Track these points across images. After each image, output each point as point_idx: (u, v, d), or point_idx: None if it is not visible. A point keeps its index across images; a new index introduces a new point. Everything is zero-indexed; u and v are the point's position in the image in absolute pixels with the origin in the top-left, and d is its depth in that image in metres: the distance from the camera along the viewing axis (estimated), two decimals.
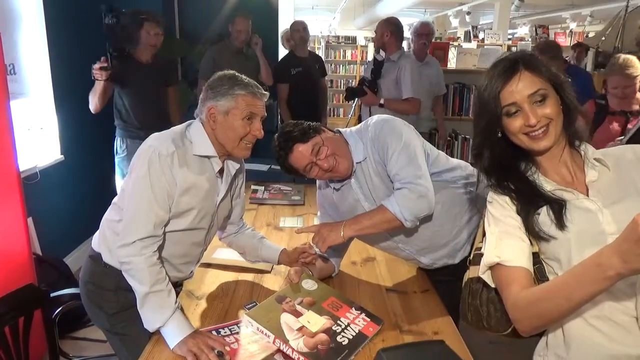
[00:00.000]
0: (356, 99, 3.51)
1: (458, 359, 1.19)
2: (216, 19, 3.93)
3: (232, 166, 1.56)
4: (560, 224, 1.00)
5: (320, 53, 11.05)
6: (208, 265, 1.80)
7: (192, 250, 1.56)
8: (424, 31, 3.74)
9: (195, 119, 1.51)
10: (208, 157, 1.47)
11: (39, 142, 3.04)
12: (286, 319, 1.33)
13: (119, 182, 3.12)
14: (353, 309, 1.45)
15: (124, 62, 2.97)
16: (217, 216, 1.56)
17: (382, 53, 3.08)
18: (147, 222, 1.37)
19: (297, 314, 1.36)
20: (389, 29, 3.26)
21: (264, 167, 2.99)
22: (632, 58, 2.69)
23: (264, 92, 1.50)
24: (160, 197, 1.38)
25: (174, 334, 1.31)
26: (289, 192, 2.66)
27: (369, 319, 1.42)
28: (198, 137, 1.46)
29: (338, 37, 11.26)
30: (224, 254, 1.87)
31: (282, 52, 4.40)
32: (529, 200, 1.05)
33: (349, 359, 1.25)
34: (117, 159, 3.13)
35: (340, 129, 1.67)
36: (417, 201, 1.45)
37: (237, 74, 1.50)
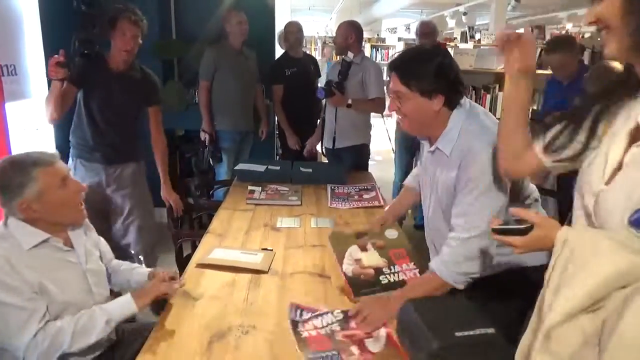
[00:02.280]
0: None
1: (479, 309, 1.12)
2: (213, 19, 3.92)
3: (76, 233, 1.54)
4: None
5: (317, 54, 11.05)
6: (204, 265, 1.79)
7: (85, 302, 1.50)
8: (424, 30, 3.77)
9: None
10: (44, 242, 1.42)
11: (34, 143, 3.02)
12: (352, 250, 1.72)
13: None
14: (412, 263, 1.70)
15: (92, 62, 2.46)
16: (88, 280, 1.53)
17: (351, 55, 3.13)
18: (27, 324, 1.32)
19: (364, 250, 1.72)
20: (354, 31, 3.31)
21: (260, 168, 2.98)
22: None
23: (53, 153, 1.48)
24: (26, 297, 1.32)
25: (124, 307, 1.43)
26: (286, 192, 2.66)
27: (418, 274, 1.64)
28: (21, 231, 1.39)
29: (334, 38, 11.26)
30: (220, 254, 1.86)
31: (279, 52, 4.39)
32: None
33: (378, 293, 1.56)
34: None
35: (472, 104, 1.53)
36: (467, 264, 1.41)
37: (13, 159, 1.41)
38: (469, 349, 0.56)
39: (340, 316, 1.45)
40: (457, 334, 0.57)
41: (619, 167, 0.86)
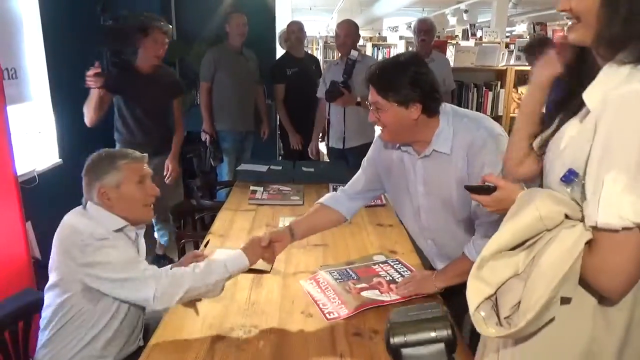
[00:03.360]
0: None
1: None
2: (213, 20, 3.93)
3: (139, 232, 1.61)
4: None
5: (318, 54, 11.05)
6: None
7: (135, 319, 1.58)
8: (422, 27, 3.75)
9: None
10: (121, 229, 1.50)
11: (37, 146, 3.03)
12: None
13: None
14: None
15: (123, 70, 2.80)
16: None
17: (355, 53, 3.13)
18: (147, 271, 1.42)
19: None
20: (357, 30, 3.33)
21: (263, 168, 2.98)
22: None
23: (142, 154, 1.57)
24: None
25: (238, 261, 1.49)
26: (288, 192, 2.66)
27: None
28: (101, 215, 1.48)
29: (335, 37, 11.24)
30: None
31: (280, 52, 4.40)
32: None
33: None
34: None
35: (452, 107, 1.58)
36: None
37: (110, 149, 1.56)
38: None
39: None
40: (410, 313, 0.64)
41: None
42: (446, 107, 1.55)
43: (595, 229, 0.83)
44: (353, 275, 1.74)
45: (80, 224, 1.45)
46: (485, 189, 1.08)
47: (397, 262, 1.83)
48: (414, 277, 1.66)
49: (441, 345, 0.57)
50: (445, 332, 0.58)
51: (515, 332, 0.87)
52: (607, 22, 0.89)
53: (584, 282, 0.88)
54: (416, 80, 1.45)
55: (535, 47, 3.80)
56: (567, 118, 1.00)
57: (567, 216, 0.89)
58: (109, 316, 1.47)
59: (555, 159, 0.98)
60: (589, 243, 0.85)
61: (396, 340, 0.58)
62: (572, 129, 0.96)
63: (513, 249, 0.93)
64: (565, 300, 0.88)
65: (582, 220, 0.87)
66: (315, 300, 1.58)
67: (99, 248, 1.39)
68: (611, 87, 0.86)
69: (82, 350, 1.46)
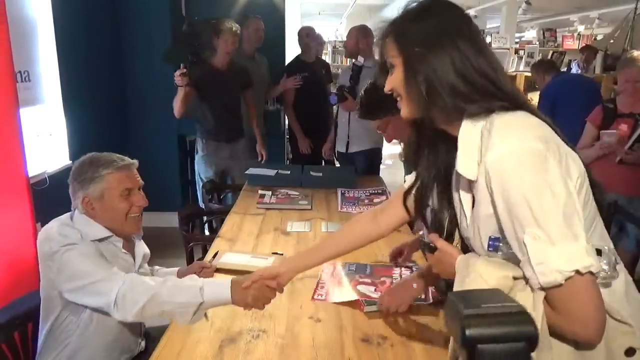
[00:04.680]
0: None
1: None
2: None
3: (137, 240, 1.61)
4: None
5: (327, 58, 11.06)
6: (215, 270, 1.79)
7: (123, 337, 1.52)
8: None
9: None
10: (105, 239, 1.47)
11: (48, 148, 3.06)
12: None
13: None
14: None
15: (202, 69, 3.20)
16: None
17: (361, 59, 3.15)
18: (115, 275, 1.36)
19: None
20: (364, 36, 3.36)
21: (271, 172, 2.99)
22: None
23: (130, 161, 1.51)
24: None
25: (217, 291, 1.31)
26: (297, 197, 2.66)
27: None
28: (85, 224, 1.45)
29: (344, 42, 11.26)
30: (231, 258, 1.87)
31: (289, 57, 4.41)
32: None
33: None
34: (196, 157, 3.47)
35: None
36: None
37: (96, 155, 1.49)
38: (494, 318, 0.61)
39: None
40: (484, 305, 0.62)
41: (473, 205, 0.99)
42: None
43: (542, 289, 0.84)
44: (368, 270, 1.78)
45: (53, 230, 1.42)
46: (431, 248, 1.10)
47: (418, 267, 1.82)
48: (392, 288, 1.56)
49: (522, 344, 0.52)
50: (528, 329, 0.53)
51: None
52: (414, 97, 0.96)
53: (557, 334, 0.87)
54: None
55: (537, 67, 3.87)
56: (447, 193, 1.06)
57: (514, 277, 0.89)
58: (93, 326, 1.43)
59: (469, 235, 1.00)
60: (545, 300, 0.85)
61: (473, 332, 0.52)
62: (466, 203, 1.00)
63: None
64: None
65: (526, 278, 0.87)
66: (318, 281, 1.69)
67: (64, 253, 1.36)
68: (478, 151, 0.90)
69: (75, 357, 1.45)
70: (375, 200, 2.63)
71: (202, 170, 3.43)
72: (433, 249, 1.09)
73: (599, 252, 0.85)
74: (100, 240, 1.46)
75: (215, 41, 3.20)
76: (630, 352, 0.90)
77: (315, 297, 1.61)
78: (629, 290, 0.94)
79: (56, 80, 3.05)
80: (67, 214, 1.51)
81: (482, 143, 0.89)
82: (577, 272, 0.80)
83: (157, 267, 1.82)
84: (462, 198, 1.01)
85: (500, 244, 0.91)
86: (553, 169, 0.82)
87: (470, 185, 0.97)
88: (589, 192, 0.91)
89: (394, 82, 0.99)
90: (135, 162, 1.53)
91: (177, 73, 2.99)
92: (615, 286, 0.92)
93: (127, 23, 3.94)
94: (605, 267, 0.86)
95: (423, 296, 1.53)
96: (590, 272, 0.81)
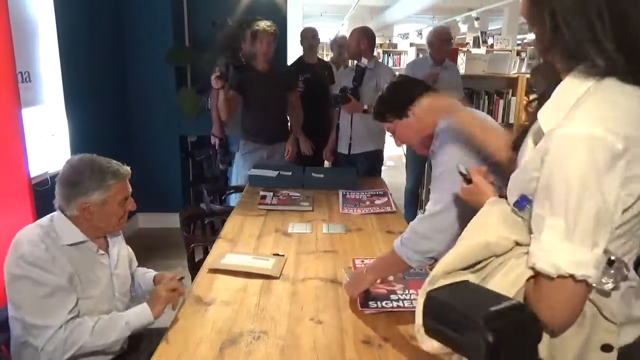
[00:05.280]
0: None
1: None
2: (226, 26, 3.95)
3: (113, 239, 1.67)
4: None
5: (328, 59, 11.05)
6: (216, 271, 1.80)
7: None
8: (443, 37, 3.82)
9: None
10: (80, 243, 1.51)
11: (50, 149, 3.06)
12: None
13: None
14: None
15: (244, 71, 3.20)
16: (113, 283, 1.62)
17: (365, 61, 3.16)
18: (61, 308, 1.41)
19: None
20: (366, 38, 3.35)
21: (272, 173, 2.99)
22: None
23: (128, 169, 1.58)
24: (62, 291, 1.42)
25: (141, 316, 1.50)
26: (298, 198, 2.66)
27: None
28: (64, 227, 1.49)
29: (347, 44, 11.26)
30: (232, 259, 1.87)
31: (290, 59, 4.42)
32: None
33: (386, 305, 1.59)
34: (237, 155, 3.49)
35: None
36: (423, 241, 1.42)
37: (95, 160, 1.52)
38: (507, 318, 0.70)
39: None
40: (492, 308, 0.67)
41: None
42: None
43: (534, 269, 0.85)
44: None
45: (25, 238, 1.44)
46: (466, 177, 1.18)
47: None
48: (351, 278, 1.66)
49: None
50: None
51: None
52: (537, 28, 0.89)
53: None
54: (396, 91, 1.67)
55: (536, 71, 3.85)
56: (531, 125, 1.01)
57: (517, 242, 0.90)
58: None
59: (513, 177, 0.97)
60: (535, 276, 0.86)
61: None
62: (527, 151, 0.97)
63: (465, 269, 0.95)
64: None
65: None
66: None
67: (22, 276, 1.39)
68: (564, 111, 0.83)
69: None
70: (377, 201, 2.63)
71: (238, 169, 3.43)
72: (469, 181, 1.15)
73: (612, 262, 0.83)
74: (74, 244, 1.49)
75: (254, 44, 3.20)
76: (607, 348, 0.90)
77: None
78: (627, 292, 0.94)
79: (58, 80, 3.05)
80: (49, 216, 1.54)
81: (574, 106, 0.83)
82: (573, 276, 0.79)
83: (145, 270, 1.86)
84: (527, 144, 0.98)
85: (528, 206, 0.89)
86: (615, 176, 0.78)
87: (538, 137, 0.91)
88: None
89: (522, 5, 0.92)
90: (129, 172, 1.59)
91: (213, 76, 3.00)
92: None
93: (129, 23, 3.94)
94: (610, 279, 0.84)
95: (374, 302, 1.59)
96: (586, 282, 0.80)
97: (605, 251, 0.81)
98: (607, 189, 0.78)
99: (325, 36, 12.90)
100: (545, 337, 0.91)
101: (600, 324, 0.90)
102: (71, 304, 1.43)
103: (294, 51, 4.84)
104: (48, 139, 3.06)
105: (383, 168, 3.64)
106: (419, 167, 4.14)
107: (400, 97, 1.63)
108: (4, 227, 2.06)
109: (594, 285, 0.81)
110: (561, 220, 0.80)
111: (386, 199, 2.66)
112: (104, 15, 3.72)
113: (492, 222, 0.93)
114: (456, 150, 1.43)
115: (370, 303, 1.57)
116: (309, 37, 3.94)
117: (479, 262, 0.94)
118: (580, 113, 0.81)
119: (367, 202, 2.63)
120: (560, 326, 0.86)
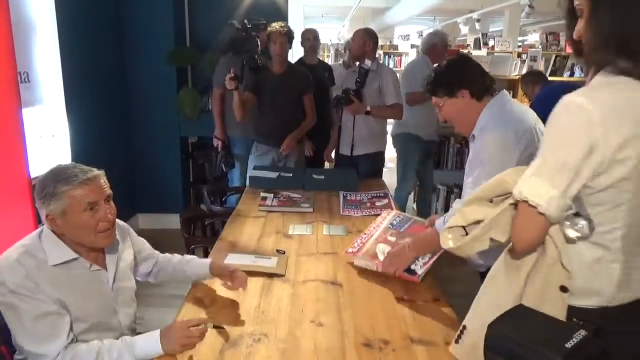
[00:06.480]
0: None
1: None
2: (225, 27, 3.95)
3: (111, 252, 1.51)
4: None
5: (330, 61, 11.07)
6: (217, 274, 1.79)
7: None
8: (447, 42, 4.05)
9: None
10: (71, 261, 1.39)
11: (51, 150, 3.06)
12: (380, 247, 1.87)
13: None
14: None
15: (260, 73, 3.21)
16: (114, 299, 1.50)
17: (368, 62, 3.15)
18: (58, 332, 1.31)
19: (385, 242, 1.90)
20: (371, 39, 3.34)
21: (273, 175, 2.98)
22: None
23: (94, 173, 1.40)
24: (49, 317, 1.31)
25: (149, 346, 1.32)
26: (298, 199, 2.65)
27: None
28: (54, 245, 1.38)
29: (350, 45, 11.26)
30: (234, 259, 1.86)
31: (290, 60, 4.41)
32: None
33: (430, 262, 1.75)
34: (250, 157, 3.47)
35: (504, 97, 1.74)
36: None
37: (59, 168, 1.40)
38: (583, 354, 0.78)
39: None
40: (567, 345, 0.75)
41: None
42: (499, 95, 1.73)
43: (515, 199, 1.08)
44: (406, 226, 2.00)
45: (5, 262, 1.32)
46: None
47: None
48: (390, 254, 1.77)
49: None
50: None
51: (461, 244, 1.20)
52: (589, 40, 1.06)
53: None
54: (454, 70, 1.72)
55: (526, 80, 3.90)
56: None
57: None
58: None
59: None
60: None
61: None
62: None
63: (491, 200, 1.20)
64: (495, 243, 1.15)
65: None
66: (366, 231, 2.01)
67: (7, 303, 1.30)
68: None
69: None
70: (377, 203, 2.62)
71: (249, 171, 3.39)
72: None
73: (577, 214, 1.05)
74: (63, 263, 1.38)
75: (269, 45, 3.22)
76: (564, 289, 1.09)
77: (348, 249, 1.88)
78: (599, 261, 1.09)
79: (58, 81, 3.05)
80: (37, 232, 1.42)
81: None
82: (527, 202, 1.02)
83: (190, 257, 1.77)
84: None
85: None
86: (591, 133, 0.97)
87: None
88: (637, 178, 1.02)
89: (580, 27, 1.08)
90: (101, 172, 1.43)
91: (228, 77, 3.01)
92: (582, 250, 1.09)
93: (130, 23, 3.94)
94: (574, 227, 1.05)
95: (417, 265, 1.73)
96: (539, 211, 1.00)
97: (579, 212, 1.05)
98: (581, 144, 0.98)
99: (326, 37, 12.92)
100: (520, 276, 1.14)
101: (559, 270, 1.08)
102: (65, 328, 1.32)
103: (295, 52, 4.83)
104: (49, 140, 3.05)
105: (384, 169, 3.63)
106: (413, 177, 4.16)
107: (452, 76, 1.72)
108: (4, 227, 2.06)
109: (551, 220, 1.01)
110: (539, 159, 1.04)
111: (387, 200, 2.65)
112: (104, 15, 3.72)
113: (509, 170, 1.18)
114: (498, 137, 1.60)
115: (413, 267, 1.72)
116: (310, 38, 3.93)
117: (499, 196, 1.18)
118: (587, 86, 1.05)
119: (368, 204, 2.62)
120: (519, 247, 1.09)
